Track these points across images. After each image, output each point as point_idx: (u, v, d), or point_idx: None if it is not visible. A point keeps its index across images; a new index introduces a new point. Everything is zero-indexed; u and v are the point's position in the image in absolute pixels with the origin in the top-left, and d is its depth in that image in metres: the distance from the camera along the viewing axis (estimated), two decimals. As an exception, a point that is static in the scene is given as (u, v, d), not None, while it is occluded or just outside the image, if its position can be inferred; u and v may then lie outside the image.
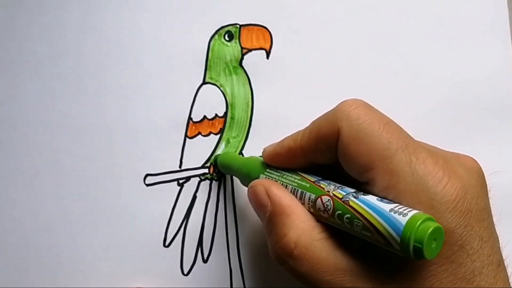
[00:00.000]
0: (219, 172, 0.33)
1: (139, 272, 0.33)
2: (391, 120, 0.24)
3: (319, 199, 0.24)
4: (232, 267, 0.33)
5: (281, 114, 0.34)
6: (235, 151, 0.34)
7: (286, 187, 0.26)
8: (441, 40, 0.35)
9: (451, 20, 0.35)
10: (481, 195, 0.22)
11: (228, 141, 0.34)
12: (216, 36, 0.34)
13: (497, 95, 0.35)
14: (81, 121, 0.33)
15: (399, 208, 0.21)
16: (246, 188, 0.34)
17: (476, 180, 0.23)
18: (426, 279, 0.21)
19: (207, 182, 0.34)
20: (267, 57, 0.34)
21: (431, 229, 0.19)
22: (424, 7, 0.35)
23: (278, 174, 0.27)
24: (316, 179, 0.25)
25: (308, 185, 0.25)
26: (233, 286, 0.33)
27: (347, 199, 0.22)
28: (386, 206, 0.21)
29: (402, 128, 0.24)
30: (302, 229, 0.24)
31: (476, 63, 0.35)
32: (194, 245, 0.33)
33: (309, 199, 0.24)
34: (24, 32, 0.33)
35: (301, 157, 0.26)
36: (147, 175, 0.33)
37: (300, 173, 0.26)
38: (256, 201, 0.26)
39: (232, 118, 0.34)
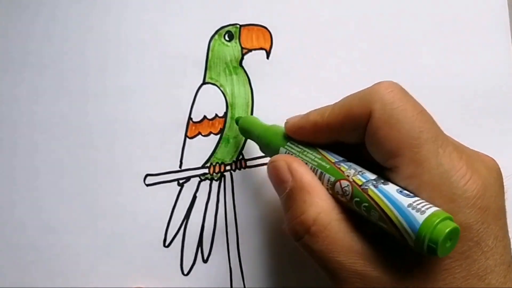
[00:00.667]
0: (219, 172, 0.33)
1: (139, 272, 0.33)
2: (424, 109, 0.23)
3: (338, 182, 0.24)
4: (232, 267, 0.33)
5: (281, 114, 0.34)
6: (235, 151, 0.34)
7: (306, 164, 0.26)
8: (441, 40, 0.35)
9: (451, 20, 0.35)
10: (499, 194, 0.23)
11: (228, 141, 0.34)
12: (216, 36, 0.34)
13: (497, 95, 0.35)
14: (81, 121, 0.33)
15: (418, 204, 0.21)
16: (246, 188, 0.34)
17: (495, 179, 0.23)
18: (439, 273, 0.21)
19: (207, 182, 0.34)
20: (267, 57, 0.34)
21: (447, 230, 0.19)
22: (424, 7, 0.35)
23: (299, 150, 0.27)
24: (336, 160, 0.25)
25: (328, 166, 0.25)
26: (233, 286, 0.33)
27: (366, 187, 0.22)
28: (405, 200, 0.21)
29: (433, 119, 0.23)
30: (322, 207, 0.24)
31: (476, 63, 0.35)
32: (194, 245, 0.33)
33: (328, 180, 0.24)
34: (24, 32, 0.33)
35: (326, 133, 0.26)
36: (147, 175, 0.33)
37: (321, 151, 0.26)
38: (277, 176, 0.26)
39: (232, 118, 0.34)
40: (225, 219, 0.33)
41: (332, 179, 0.24)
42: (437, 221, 0.20)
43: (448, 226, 0.20)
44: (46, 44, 0.33)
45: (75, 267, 0.32)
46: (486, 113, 0.35)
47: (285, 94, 0.34)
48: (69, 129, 0.33)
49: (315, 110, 0.27)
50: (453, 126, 0.34)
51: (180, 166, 0.33)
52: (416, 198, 0.21)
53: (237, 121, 0.33)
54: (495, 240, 0.22)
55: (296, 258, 0.33)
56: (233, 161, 0.34)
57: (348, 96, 0.25)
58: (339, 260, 0.23)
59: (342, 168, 0.24)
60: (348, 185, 0.23)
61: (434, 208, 0.20)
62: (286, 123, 0.28)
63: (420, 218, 0.20)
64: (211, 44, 0.34)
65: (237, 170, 0.34)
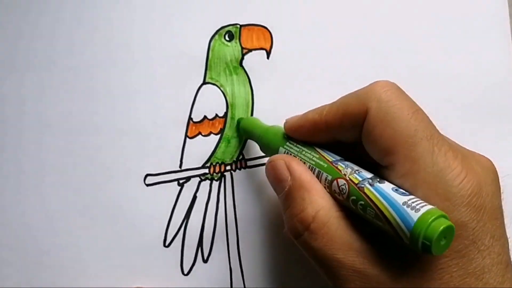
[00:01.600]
0: (219, 172, 0.33)
1: (139, 272, 0.33)
2: (420, 108, 0.24)
3: (335, 181, 0.24)
4: (232, 267, 0.33)
5: (281, 114, 0.34)
6: (236, 151, 0.34)
7: (304, 164, 0.26)
8: (441, 39, 0.35)
9: (451, 20, 0.35)
10: (495, 194, 0.23)
11: (228, 141, 0.34)
12: (217, 36, 0.34)
13: (497, 95, 0.35)
14: (81, 121, 0.33)
15: (413, 202, 0.21)
16: (246, 188, 0.34)
17: (491, 179, 0.23)
18: (436, 271, 0.21)
19: (207, 182, 0.34)
20: (267, 57, 0.34)
21: (441, 228, 0.20)
22: (424, 7, 0.35)
23: (297, 149, 0.27)
24: (334, 159, 0.25)
25: (325, 165, 0.25)
26: (233, 286, 0.33)
27: (363, 185, 0.23)
28: (400, 198, 0.21)
29: (429, 118, 0.24)
30: (321, 204, 0.24)
31: (476, 63, 0.35)
32: (194, 245, 0.33)
33: (325, 179, 0.25)
34: (28, 32, 0.33)
35: (324, 132, 0.26)
36: (147, 175, 0.33)
37: (319, 150, 0.26)
38: (275, 175, 0.26)
39: (232, 118, 0.34)
40: (225, 219, 0.33)
41: (330, 177, 0.24)
42: (431, 219, 0.20)
43: (442, 224, 0.20)
44: (48, 45, 0.33)
45: (75, 267, 0.32)
46: (486, 113, 0.35)
47: (285, 94, 0.34)
48: (69, 129, 0.33)
49: (314, 109, 0.27)
50: (453, 126, 0.34)
51: (180, 166, 0.33)
52: (411, 196, 0.21)
53: (238, 123, 0.33)
54: (491, 239, 0.22)
55: (296, 258, 0.33)
56: (233, 161, 0.34)
57: (345, 95, 0.26)
58: (338, 258, 0.23)
59: (339, 167, 0.24)
60: (344, 183, 0.23)
61: (429, 206, 0.21)
62: (285, 122, 0.28)
63: (414, 216, 0.20)
64: (211, 44, 0.34)
65: (237, 170, 0.34)
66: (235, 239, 0.33)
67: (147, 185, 0.33)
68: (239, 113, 0.34)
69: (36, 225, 0.32)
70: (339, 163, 0.25)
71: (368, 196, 0.22)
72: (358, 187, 0.23)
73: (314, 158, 0.26)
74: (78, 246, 0.32)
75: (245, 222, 0.33)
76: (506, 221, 0.23)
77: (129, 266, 0.33)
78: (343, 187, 0.23)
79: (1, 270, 0.32)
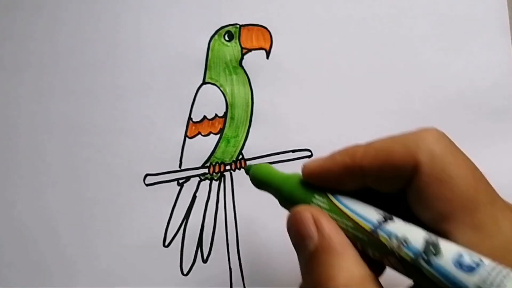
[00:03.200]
0: (219, 172, 0.33)
1: (139, 272, 0.32)
2: (474, 164, 0.21)
3: (384, 258, 0.20)
4: (232, 267, 0.33)
5: (281, 114, 0.34)
6: (235, 151, 0.34)
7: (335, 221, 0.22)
8: (441, 40, 0.35)
9: (451, 20, 0.35)
10: None
11: (228, 141, 0.34)
12: (216, 36, 0.34)
13: (497, 95, 0.35)
14: (82, 121, 0.33)
15: (490, 278, 0.17)
16: (246, 188, 0.33)
17: None
18: None
19: (207, 182, 0.34)
20: (267, 57, 0.34)
21: None
22: (424, 7, 0.35)
23: (328, 208, 0.22)
24: (372, 226, 0.20)
25: (366, 238, 0.20)
26: (233, 286, 0.33)
27: (418, 264, 0.19)
28: (468, 279, 0.17)
29: (485, 176, 0.21)
30: (353, 274, 0.20)
31: (476, 63, 0.35)
32: (193, 245, 0.33)
33: (362, 246, 0.21)
34: (24, 32, 0.33)
35: (357, 178, 0.22)
36: (147, 175, 0.33)
37: (354, 216, 0.21)
38: (299, 229, 0.22)
39: (232, 118, 0.34)
40: (225, 219, 0.33)
41: (377, 254, 0.20)
42: None
43: None
44: (46, 45, 0.33)
45: (74, 267, 0.32)
46: (486, 113, 0.35)
47: (285, 94, 0.34)
48: (69, 129, 0.33)
49: (340, 151, 0.23)
50: (453, 126, 0.34)
51: (180, 166, 0.33)
52: (483, 272, 0.17)
53: (247, 170, 0.28)
54: None
55: (296, 259, 0.33)
56: (233, 161, 0.34)
57: (385, 139, 0.22)
58: None
59: (382, 238, 0.20)
60: (395, 261, 0.20)
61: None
62: (303, 167, 0.24)
63: None
64: (211, 44, 0.34)
65: (237, 170, 0.34)
66: (235, 239, 0.33)
67: (147, 185, 0.33)
68: (239, 113, 0.34)
69: (35, 225, 0.32)
70: (380, 231, 0.20)
71: (427, 277, 0.18)
72: (413, 265, 0.19)
73: (349, 228, 0.21)
74: (78, 246, 0.32)
75: (245, 222, 0.33)
76: None
77: (129, 266, 0.33)
78: (396, 266, 0.20)
79: (1, 270, 0.32)
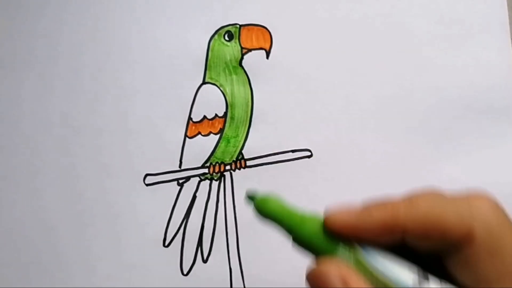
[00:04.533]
0: (219, 172, 0.33)
1: (139, 272, 0.32)
2: None
3: None
4: (232, 267, 0.33)
5: (281, 114, 0.34)
6: (235, 151, 0.34)
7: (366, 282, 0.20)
8: (441, 40, 0.35)
9: (451, 20, 0.35)
10: None
11: (228, 141, 0.34)
12: (216, 36, 0.34)
13: (497, 95, 0.35)
14: (81, 121, 0.33)
15: None
16: (246, 188, 0.33)
17: None
18: None
19: (207, 182, 0.33)
20: (267, 57, 0.34)
21: None
22: (424, 7, 0.35)
23: (354, 263, 0.20)
24: None
25: None
26: (233, 286, 0.33)
27: None
28: None
29: None
30: None
31: (476, 63, 0.35)
32: (193, 245, 0.33)
33: None
34: (24, 32, 0.33)
35: (395, 237, 0.20)
36: (147, 175, 0.33)
37: (386, 279, 0.19)
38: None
39: (232, 118, 0.34)
40: (225, 219, 0.33)
41: None
42: None
43: None
44: (45, 44, 0.33)
45: (74, 267, 0.32)
46: (486, 113, 0.35)
47: (284, 94, 0.34)
48: (69, 129, 0.33)
49: (377, 205, 0.21)
50: (453, 126, 0.34)
51: (180, 166, 0.33)
52: None
53: (250, 198, 0.23)
54: None
55: (296, 259, 0.33)
56: (233, 161, 0.34)
57: (430, 200, 0.20)
58: None
59: None
60: None
61: None
62: (328, 217, 0.21)
63: None
64: (211, 44, 0.34)
65: (236, 170, 0.34)
66: (235, 239, 0.33)
67: (147, 185, 0.33)
68: (239, 112, 0.34)
69: (35, 225, 0.32)
70: None
71: None
72: None
73: None
74: (78, 246, 0.32)
75: (244, 222, 0.33)
76: None
77: (129, 266, 0.33)
78: None
79: (1, 270, 0.32)
